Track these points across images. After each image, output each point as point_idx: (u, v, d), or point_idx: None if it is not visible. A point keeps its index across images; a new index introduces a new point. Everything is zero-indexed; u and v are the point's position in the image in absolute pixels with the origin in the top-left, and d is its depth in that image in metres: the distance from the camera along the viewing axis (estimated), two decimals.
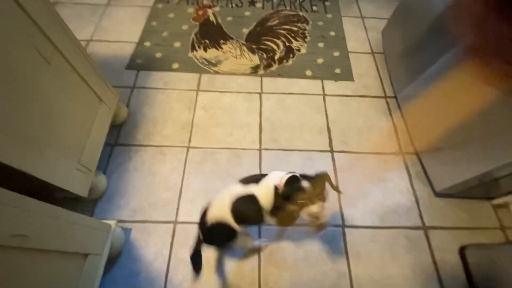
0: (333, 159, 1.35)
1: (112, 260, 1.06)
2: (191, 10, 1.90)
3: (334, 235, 1.16)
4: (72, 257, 0.83)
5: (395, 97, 1.56)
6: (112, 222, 1.03)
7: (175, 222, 1.15)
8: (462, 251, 1.13)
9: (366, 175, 1.31)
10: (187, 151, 1.33)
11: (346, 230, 1.18)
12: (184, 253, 1.09)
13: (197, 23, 1.82)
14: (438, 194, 1.26)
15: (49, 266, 0.74)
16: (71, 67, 0.99)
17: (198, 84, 1.56)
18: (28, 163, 0.78)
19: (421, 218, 1.22)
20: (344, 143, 1.40)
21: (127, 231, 1.13)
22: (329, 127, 1.45)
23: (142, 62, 1.62)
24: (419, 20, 1.31)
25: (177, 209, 1.18)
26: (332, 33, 1.83)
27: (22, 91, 0.79)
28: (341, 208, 1.22)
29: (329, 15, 1.94)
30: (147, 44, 1.70)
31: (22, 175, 0.78)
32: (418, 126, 1.31)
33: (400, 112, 1.50)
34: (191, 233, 1.13)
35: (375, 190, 1.27)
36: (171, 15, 1.85)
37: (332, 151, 1.37)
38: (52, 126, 0.90)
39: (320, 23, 1.89)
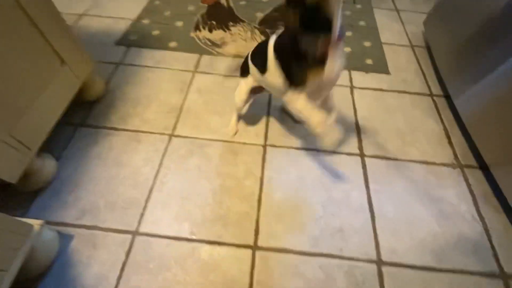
0: (364, 166, 0.98)
1: (32, 281, 0.72)
2: None
3: (366, 277, 0.77)
4: None
5: (446, 96, 1.21)
6: (36, 223, 0.70)
7: (135, 233, 0.81)
8: None
9: (412, 191, 0.93)
10: (169, 139, 1.02)
11: (384, 269, 0.78)
12: (139, 281, 0.73)
13: (206, 5, 1.59)
14: None
15: None
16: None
17: (197, 66, 1.28)
18: None
19: (497, 260, 0.81)
20: (379, 146, 1.04)
21: (66, 239, 0.80)
22: (359, 125, 1.10)
23: (135, 39, 1.37)
24: (482, 5, 0.99)
25: (142, 214, 0.85)
26: (362, 23, 1.54)
27: None
28: (375, 235, 0.84)
29: (359, 6, 1.66)
30: (145, 21, 1.47)
31: None
32: (490, 131, 0.93)
33: (454, 115, 1.14)
34: (155, 252, 0.78)
35: (426, 214, 0.89)
36: None
37: (362, 155, 1.01)
38: None
39: (348, 12, 1.61)
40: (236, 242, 0.81)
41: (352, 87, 1.23)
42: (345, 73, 1.29)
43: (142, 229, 0.82)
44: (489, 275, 0.79)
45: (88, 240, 0.79)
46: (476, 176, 0.98)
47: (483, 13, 0.99)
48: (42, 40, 0.83)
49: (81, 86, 1.01)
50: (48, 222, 0.80)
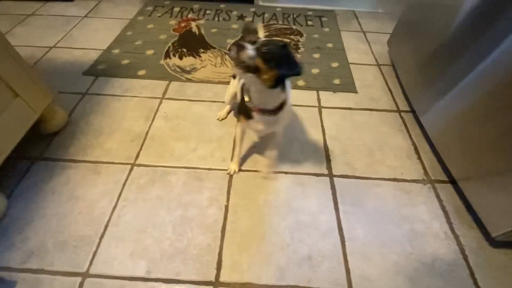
0: (333, 186, 0.95)
1: None
2: (173, 22, 1.73)
3: None
4: None
5: (412, 111, 1.22)
6: None
7: (86, 275, 0.74)
8: None
9: (383, 211, 0.90)
10: (131, 169, 0.98)
11: None
12: None
13: (177, 34, 1.62)
14: (495, 243, 0.83)
15: None
16: None
17: (165, 92, 1.27)
18: None
19: (476, 282, 0.77)
20: (348, 165, 1.02)
21: (8, 285, 0.72)
22: (327, 145, 1.09)
23: (103, 68, 1.37)
24: (442, 22, 1.04)
25: (94, 253, 0.78)
26: (330, 45, 1.59)
27: None
28: (346, 261, 0.79)
29: (326, 29, 1.73)
30: (115, 51, 1.48)
31: None
32: (456, 146, 0.93)
33: (421, 129, 1.15)
34: None
35: (398, 235, 0.85)
36: (150, 26, 1.68)
37: (331, 175, 0.99)
38: None
39: (316, 35, 1.67)
40: (196, 278, 0.75)
41: (320, 107, 1.23)
42: (313, 94, 1.30)
43: (94, 270, 0.75)
44: None
45: (32, 286, 0.72)
46: (447, 191, 0.96)
47: (443, 30, 1.02)
48: None
49: (39, 118, 0.98)
50: None
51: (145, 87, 1.29)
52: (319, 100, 1.27)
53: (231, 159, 1.00)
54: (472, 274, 0.78)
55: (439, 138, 1.02)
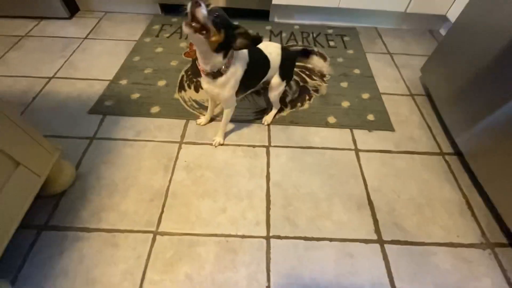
0: (385, 257, 0.84)
1: None
2: (184, 44, 1.58)
3: None
4: None
5: (458, 153, 1.11)
6: None
7: None
8: None
9: (440, 285, 0.80)
10: (153, 239, 0.85)
11: None
12: None
13: (190, 59, 1.48)
14: None
15: None
16: None
17: (183, 135, 1.14)
18: None
19: None
20: (397, 227, 0.91)
21: None
22: (371, 199, 0.97)
23: (111, 105, 1.23)
24: (489, 45, 0.93)
25: None
26: (357, 71, 1.47)
27: None
28: None
29: (350, 51, 1.60)
30: (123, 82, 1.33)
31: None
32: None
33: (470, 176, 1.04)
34: None
35: None
36: (159, 49, 1.53)
37: (381, 241, 0.88)
38: None
39: (340, 59, 1.54)
40: None
41: (357, 150, 1.12)
42: (346, 133, 1.18)
43: None
44: None
45: None
46: (509, 256, 0.86)
47: (496, 53, 0.91)
48: None
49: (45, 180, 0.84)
50: None
51: (160, 128, 1.15)
52: (354, 141, 1.15)
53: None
54: None
55: (495, 189, 0.92)
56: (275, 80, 1.03)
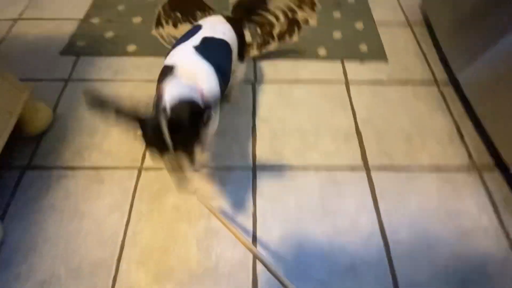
0: (371, 182, 0.85)
1: None
2: None
3: None
4: None
5: (453, 84, 1.06)
6: None
7: None
8: None
9: (427, 207, 0.81)
10: (139, 175, 0.85)
11: None
12: None
13: None
14: None
15: None
16: None
17: None
18: None
19: None
20: (385, 155, 0.90)
21: None
22: (359, 130, 0.95)
23: (84, 45, 1.13)
24: None
25: (114, 279, 0.70)
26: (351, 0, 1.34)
27: None
28: (392, 269, 0.72)
29: None
30: (95, 20, 1.22)
31: None
32: (509, 126, 0.80)
33: (464, 104, 1.00)
34: None
35: (445, 233, 0.77)
36: None
37: (367, 168, 0.87)
38: None
39: None
40: None
41: (347, 82, 1.06)
42: (337, 64, 1.11)
43: None
44: None
45: None
46: (495, 179, 0.87)
47: None
48: None
49: (19, 120, 0.81)
50: None
51: (139, 67, 1.08)
52: (345, 72, 1.09)
53: None
54: None
55: (488, 114, 0.88)
56: (235, 64, 0.81)
